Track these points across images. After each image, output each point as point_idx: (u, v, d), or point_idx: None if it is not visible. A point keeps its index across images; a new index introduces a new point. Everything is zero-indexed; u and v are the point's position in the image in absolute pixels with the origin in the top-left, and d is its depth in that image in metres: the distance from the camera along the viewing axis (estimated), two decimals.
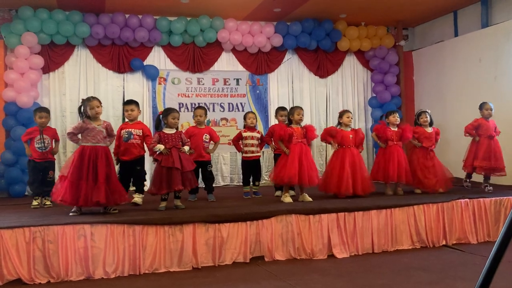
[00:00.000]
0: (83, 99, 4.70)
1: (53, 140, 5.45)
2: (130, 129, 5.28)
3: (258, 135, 5.98)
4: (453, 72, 7.83)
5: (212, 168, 5.85)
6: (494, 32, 7.04)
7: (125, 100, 7.12)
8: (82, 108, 4.59)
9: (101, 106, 4.64)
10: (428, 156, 5.86)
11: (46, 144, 5.30)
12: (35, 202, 5.24)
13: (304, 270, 4.07)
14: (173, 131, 4.82)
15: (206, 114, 5.88)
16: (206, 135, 5.71)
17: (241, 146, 5.94)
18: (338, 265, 4.27)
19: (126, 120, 5.56)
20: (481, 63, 7.24)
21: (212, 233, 4.24)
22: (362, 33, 8.39)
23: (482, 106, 5.99)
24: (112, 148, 5.39)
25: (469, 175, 6.13)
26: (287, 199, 5.16)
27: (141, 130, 5.31)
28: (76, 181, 4.30)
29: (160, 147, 4.66)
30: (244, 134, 5.92)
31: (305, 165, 5.09)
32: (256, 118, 6.20)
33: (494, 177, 5.97)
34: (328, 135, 5.65)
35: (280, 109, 6.18)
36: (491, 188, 5.82)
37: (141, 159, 5.35)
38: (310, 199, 5.14)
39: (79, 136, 4.53)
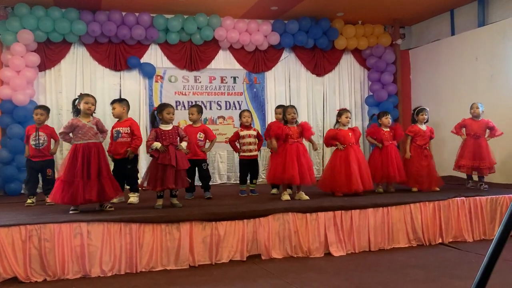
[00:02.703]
0: (80, 93, 4.69)
1: (51, 139, 5.44)
2: (118, 128, 5.27)
3: (255, 133, 5.98)
4: (449, 70, 7.85)
5: (208, 166, 5.83)
6: (490, 31, 7.06)
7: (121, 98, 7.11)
8: (76, 101, 4.58)
9: (95, 106, 4.62)
10: (422, 154, 5.89)
11: (41, 141, 5.29)
12: (29, 201, 5.24)
13: (300, 268, 4.08)
14: (170, 127, 4.81)
15: (199, 112, 5.82)
16: (200, 134, 5.69)
17: (238, 146, 5.93)
18: (335, 263, 4.27)
19: None
20: (478, 62, 7.26)
21: (209, 231, 4.24)
22: (359, 31, 8.40)
23: (471, 106, 6.07)
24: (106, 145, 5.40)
25: (469, 176, 6.10)
26: (286, 197, 5.16)
27: (128, 128, 5.28)
28: (70, 179, 4.29)
29: (157, 145, 4.64)
30: (241, 133, 5.91)
31: (305, 164, 5.10)
32: (252, 116, 6.20)
33: (490, 175, 5.99)
34: (331, 139, 5.64)
35: (277, 107, 6.22)
36: (486, 186, 5.87)
37: (132, 158, 5.30)
38: (307, 198, 5.14)
39: (71, 135, 4.51)
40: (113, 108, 5.42)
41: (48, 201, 5.27)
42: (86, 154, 4.37)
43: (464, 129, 6.06)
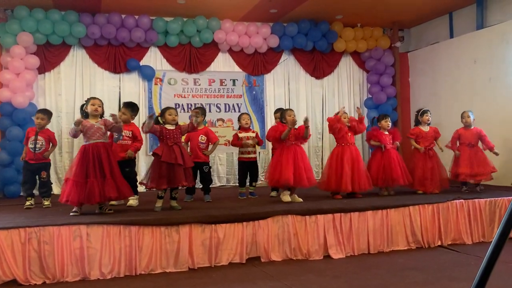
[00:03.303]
0: (87, 98, 4.76)
1: (50, 143, 5.44)
2: None
3: (253, 135, 5.99)
4: (448, 73, 7.86)
5: (210, 169, 5.83)
6: (489, 33, 7.08)
7: (121, 100, 7.12)
8: (84, 106, 4.66)
9: (102, 107, 4.67)
10: (427, 156, 5.89)
11: (39, 146, 5.27)
12: (27, 203, 5.23)
13: (300, 271, 4.08)
14: (173, 127, 4.84)
15: (201, 114, 5.83)
16: (202, 136, 5.70)
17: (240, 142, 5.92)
18: (334, 265, 4.28)
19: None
20: (476, 65, 7.28)
21: (208, 233, 4.24)
22: (358, 34, 8.42)
23: (462, 115, 6.08)
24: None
25: (464, 183, 6.11)
26: (286, 198, 5.16)
27: (131, 132, 5.30)
28: (82, 179, 4.31)
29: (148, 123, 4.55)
30: (240, 135, 5.92)
31: (302, 166, 5.10)
32: (251, 119, 6.22)
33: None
34: (335, 125, 5.58)
35: (275, 111, 6.32)
36: (482, 187, 5.92)
37: (130, 161, 5.29)
38: (300, 200, 5.16)
39: (81, 135, 4.54)
40: (123, 113, 5.40)
41: (45, 203, 5.26)
42: (96, 154, 4.41)
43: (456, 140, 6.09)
